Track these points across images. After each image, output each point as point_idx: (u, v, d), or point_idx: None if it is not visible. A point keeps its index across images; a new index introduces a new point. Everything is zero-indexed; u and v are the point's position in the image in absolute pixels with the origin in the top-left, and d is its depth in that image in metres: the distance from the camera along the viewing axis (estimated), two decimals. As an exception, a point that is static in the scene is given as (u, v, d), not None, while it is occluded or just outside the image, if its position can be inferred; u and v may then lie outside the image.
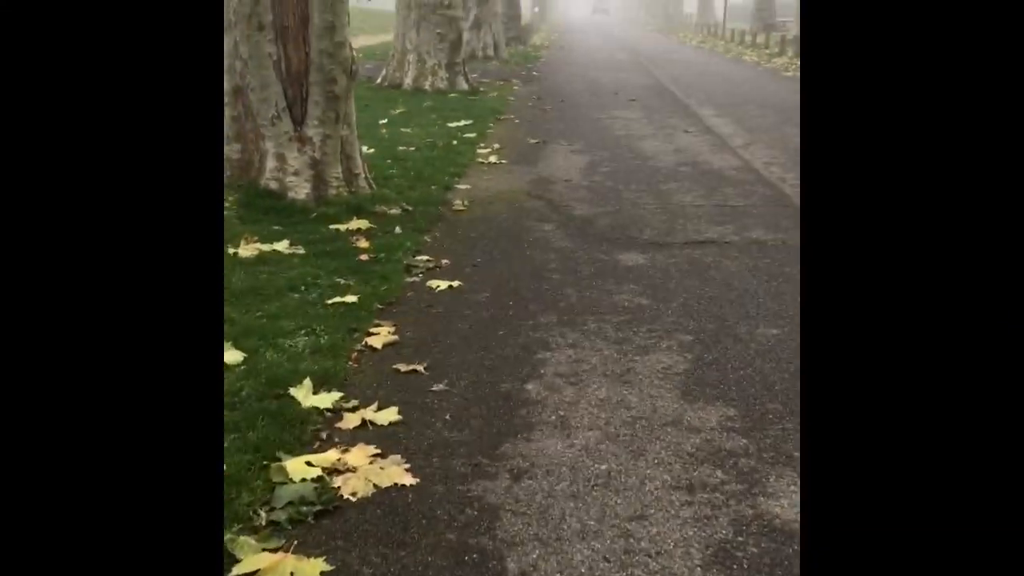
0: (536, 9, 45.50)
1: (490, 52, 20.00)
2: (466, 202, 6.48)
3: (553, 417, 3.14)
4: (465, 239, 5.55)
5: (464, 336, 3.93)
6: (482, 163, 8.09)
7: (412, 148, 8.57)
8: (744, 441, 2.97)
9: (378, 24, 31.96)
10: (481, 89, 13.74)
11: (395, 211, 6.04)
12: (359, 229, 5.52)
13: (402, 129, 9.73)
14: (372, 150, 8.38)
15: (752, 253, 5.22)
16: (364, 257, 5.00)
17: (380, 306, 4.28)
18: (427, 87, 12.93)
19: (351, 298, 4.29)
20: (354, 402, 3.23)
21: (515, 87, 14.91)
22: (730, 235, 5.63)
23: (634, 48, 28.78)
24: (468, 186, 7.06)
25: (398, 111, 11.11)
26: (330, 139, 6.04)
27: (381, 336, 3.89)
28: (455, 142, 8.97)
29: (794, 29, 28.26)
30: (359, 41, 24.82)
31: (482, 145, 8.97)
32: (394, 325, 4.03)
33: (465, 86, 13.31)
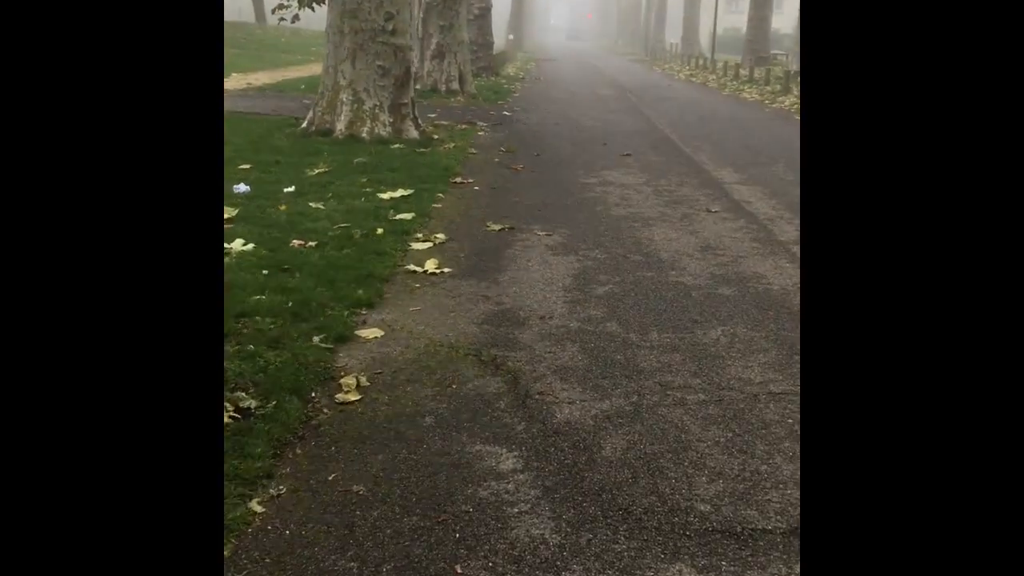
0: (511, 36, 42.97)
1: (454, 85, 17.26)
2: (364, 380, 3.64)
3: None
4: (335, 509, 2.70)
5: None
6: (414, 273, 5.26)
7: (313, 243, 5.72)
8: None
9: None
10: (435, 137, 10.92)
11: (220, 416, 3.19)
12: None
13: (312, 204, 6.88)
14: (249, 247, 5.53)
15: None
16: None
17: None
18: (364, 135, 10.10)
19: None
20: None
21: (480, 132, 12.12)
22: (872, 500, 2.83)
23: (618, 81, 26.19)
24: (378, 332, 4.21)
25: (317, 171, 8.26)
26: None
27: None
28: (380, 230, 6.13)
29: (793, 63, 25.86)
30: (291, 73, 21.97)
31: (420, 235, 6.14)
32: None
33: (414, 133, 10.49)
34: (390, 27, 10.07)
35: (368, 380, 3.64)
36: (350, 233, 6.00)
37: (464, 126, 12.57)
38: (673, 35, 53.41)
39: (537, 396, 3.52)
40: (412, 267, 5.34)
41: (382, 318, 4.44)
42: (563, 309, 4.67)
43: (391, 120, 10.32)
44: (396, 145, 9.92)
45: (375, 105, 10.22)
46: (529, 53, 45.39)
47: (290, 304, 4.46)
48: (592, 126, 13.43)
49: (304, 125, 10.55)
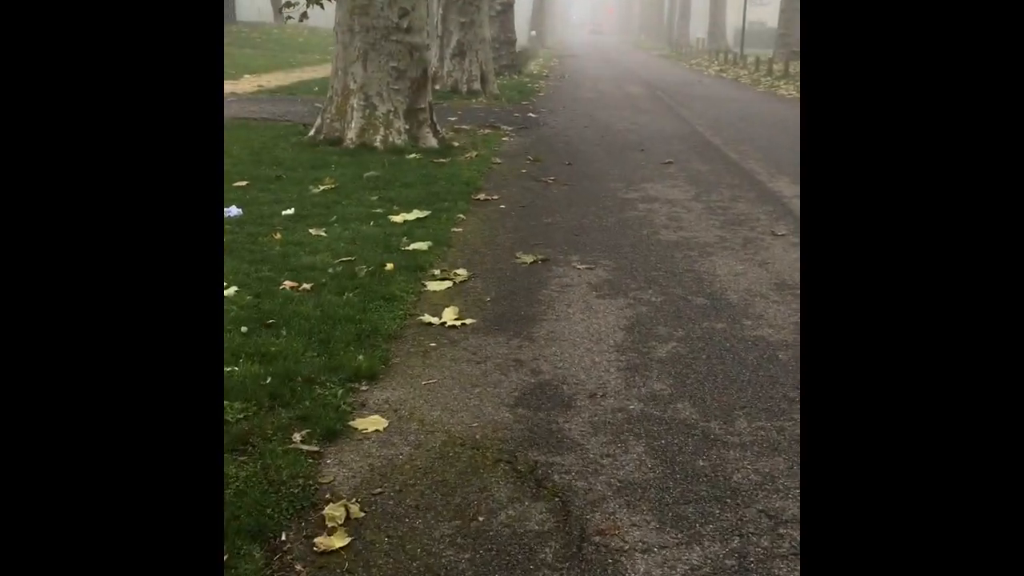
0: (534, 33, 41.89)
1: (476, 85, 16.26)
2: (357, 508, 2.65)
3: None
4: None
5: None
6: (429, 326, 4.26)
7: (308, 286, 4.75)
8: None
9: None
10: (456, 144, 9.91)
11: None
12: None
13: (312, 231, 5.91)
14: (231, 291, 4.56)
15: None
16: None
17: None
18: (378, 143, 9.11)
19: None
20: None
21: (504, 137, 11.11)
22: None
23: (645, 78, 25.07)
24: (381, 421, 3.22)
25: (322, 188, 7.29)
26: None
27: None
28: (390, 265, 5.14)
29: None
30: (306, 74, 21.00)
31: (437, 271, 5.14)
32: None
33: (433, 141, 9.49)
34: (405, 24, 9.07)
35: (362, 508, 2.65)
36: (354, 270, 5.02)
37: (487, 131, 11.57)
38: (696, 30, 52.11)
39: (597, 539, 2.51)
40: (427, 318, 4.35)
41: (387, 397, 3.45)
42: (618, 380, 3.65)
43: (407, 127, 9.32)
44: (412, 155, 8.92)
45: (389, 111, 9.22)
46: (551, 49, 44.30)
47: (269, 380, 3.48)
48: (625, 129, 12.38)
49: (312, 133, 9.58)
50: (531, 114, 13.92)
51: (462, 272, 5.13)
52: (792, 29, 28.21)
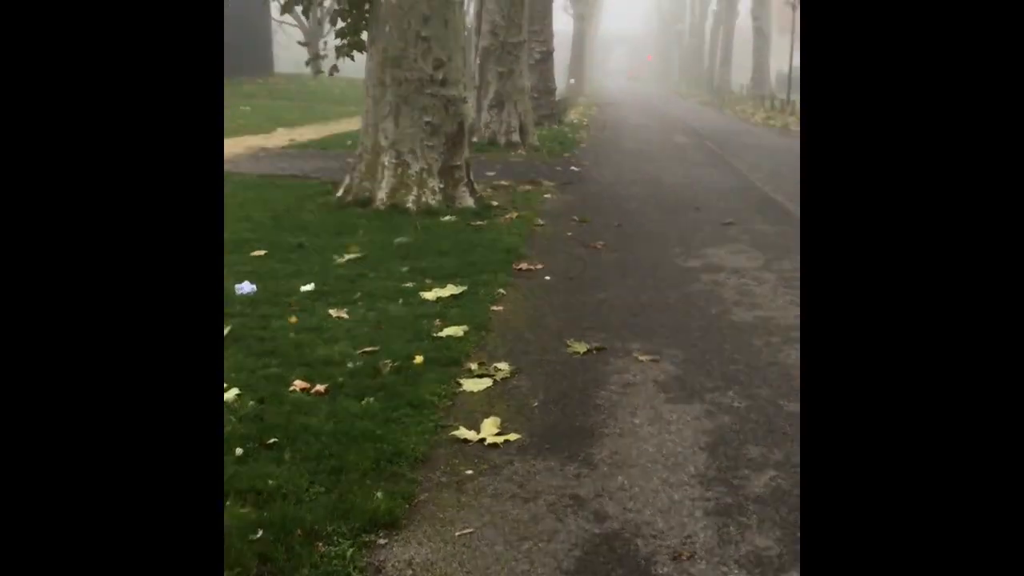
0: (572, 80, 41.55)
1: (515, 137, 15.64)
2: None
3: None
4: None
5: None
6: (465, 444, 3.48)
7: (323, 387, 4.00)
8: None
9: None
10: (494, 203, 9.21)
11: None
12: None
13: (333, 311, 5.19)
14: (231, 393, 3.83)
15: None
16: None
17: None
18: (410, 204, 8.44)
19: None
20: None
21: (547, 195, 10.40)
22: None
23: (690, 126, 24.38)
24: (401, 601, 2.45)
25: (347, 258, 6.60)
26: None
27: None
28: (419, 358, 4.39)
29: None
30: (341, 127, 20.54)
31: (474, 365, 4.37)
32: None
33: (469, 201, 8.80)
34: (440, 76, 8.45)
35: None
36: (377, 365, 4.27)
37: (527, 187, 10.88)
38: (737, 75, 51.50)
39: None
40: (463, 432, 3.57)
41: (409, 557, 2.67)
42: (707, 531, 2.83)
43: (441, 186, 8.65)
44: (447, 217, 8.23)
45: (422, 169, 8.56)
46: (590, 97, 43.89)
47: (260, 533, 2.72)
48: (676, 184, 11.61)
49: (340, 194, 8.93)
50: (574, 167, 13.23)
51: (504, 366, 4.36)
52: (840, 75, 27.38)
